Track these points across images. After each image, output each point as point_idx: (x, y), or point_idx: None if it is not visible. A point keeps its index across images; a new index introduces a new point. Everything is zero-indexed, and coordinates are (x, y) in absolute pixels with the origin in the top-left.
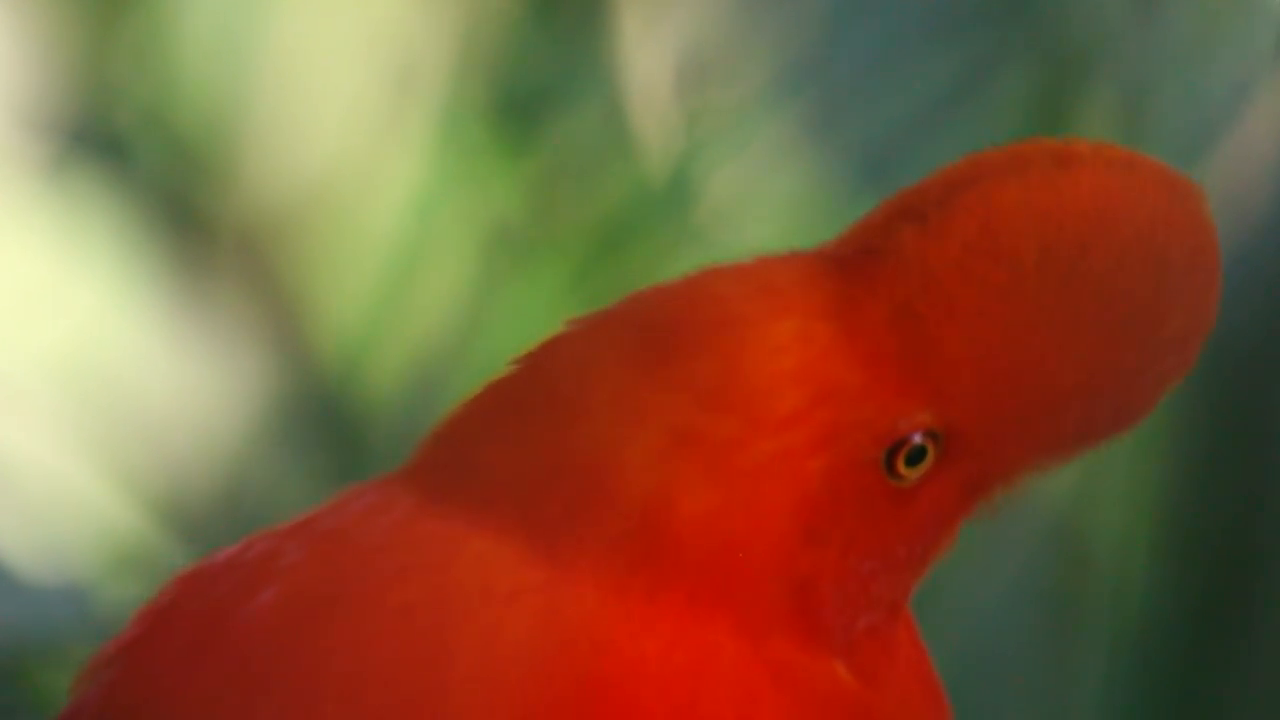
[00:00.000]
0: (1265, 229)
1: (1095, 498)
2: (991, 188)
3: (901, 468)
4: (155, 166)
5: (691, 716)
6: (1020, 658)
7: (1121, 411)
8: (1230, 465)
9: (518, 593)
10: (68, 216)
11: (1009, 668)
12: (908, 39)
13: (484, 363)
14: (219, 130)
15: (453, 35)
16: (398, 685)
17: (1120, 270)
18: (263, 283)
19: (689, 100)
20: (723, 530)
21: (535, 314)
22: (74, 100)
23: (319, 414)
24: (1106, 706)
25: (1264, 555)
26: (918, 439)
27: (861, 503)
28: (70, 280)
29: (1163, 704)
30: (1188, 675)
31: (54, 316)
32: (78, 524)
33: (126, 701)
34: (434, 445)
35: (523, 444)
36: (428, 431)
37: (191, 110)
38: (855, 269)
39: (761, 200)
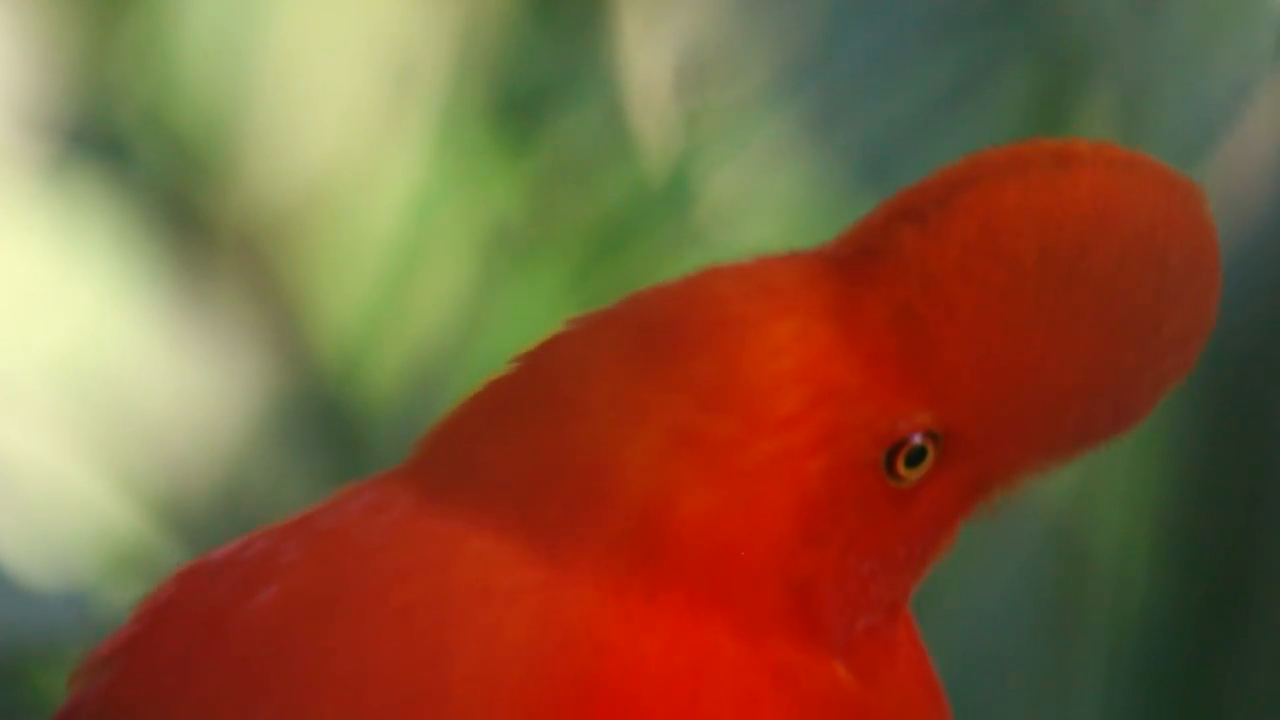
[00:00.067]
0: (1265, 229)
1: (1095, 498)
2: (991, 188)
3: (901, 468)
4: (155, 167)
5: (691, 717)
6: (1020, 658)
7: (1121, 412)
8: (1230, 466)
9: (517, 592)
10: (67, 217)
11: (1009, 668)
12: (908, 39)
13: (483, 362)
14: (219, 130)
15: (452, 35)
16: (397, 685)
17: (1120, 270)
18: (262, 283)
19: (689, 100)
20: (722, 530)
21: (535, 314)
22: (74, 100)
23: (319, 414)
24: (1106, 707)
25: (1264, 555)
26: (917, 440)
27: (861, 503)
28: (70, 280)
29: (1163, 704)
30: (1188, 675)
31: (53, 316)
32: (77, 525)
33: (125, 700)
34: (433, 444)
35: (522, 443)
36: (427, 430)
37: (191, 110)
38: (855, 269)
39: (761, 200)
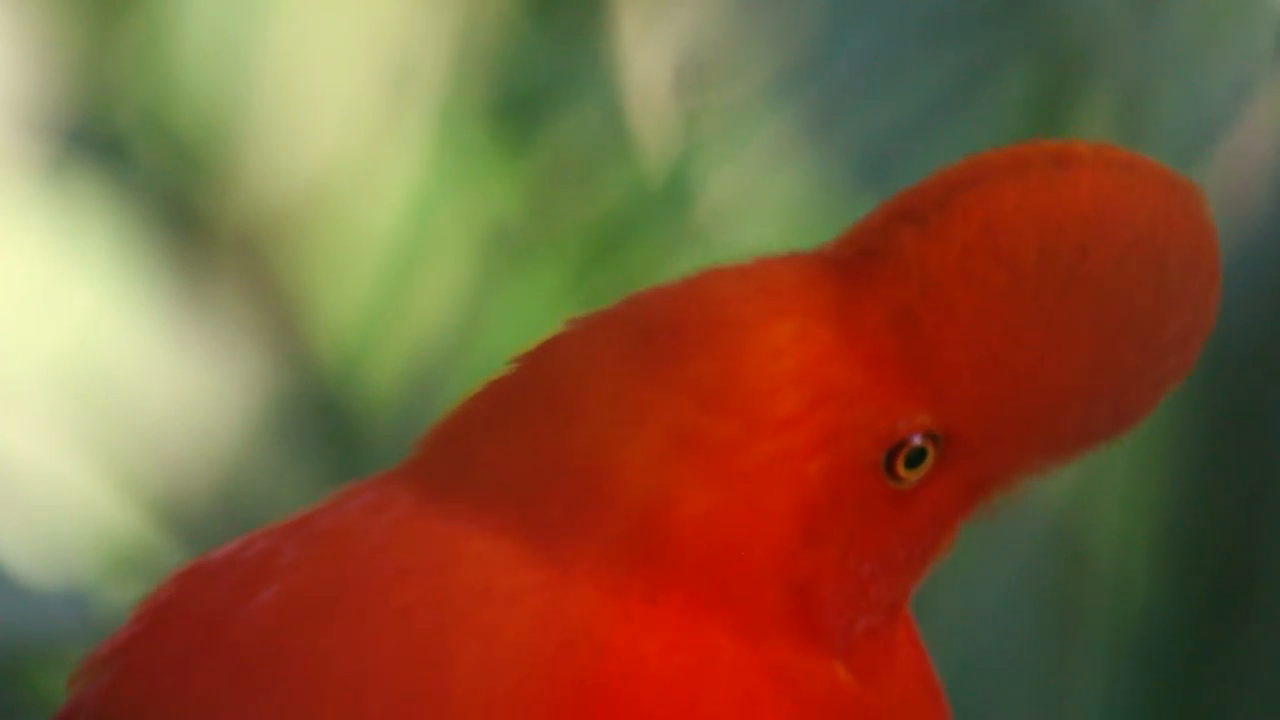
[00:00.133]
0: (1265, 229)
1: (1095, 498)
2: (991, 189)
3: (901, 470)
4: (154, 167)
5: (691, 717)
6: (1020, 658)
7: (1121, 413)
8: (1230, 466)
9: (517, 593)
10: (66, 217)
11: (1009, 668)
12: (908, 39)
13: (483, 362)
14: (218, 131)
15: (451, 35)
16: (397, 685)
17: (1120, 272)
18: (261, 283)
19: (688, 100)
20: (722, 531)
21: (534, 314)
22: (73, 101)
23: (318, 414)
24: (1106, 707)
25: (1264, 555)
26: (917, 441)
27: (861, 505)
28: (69, 281)
29: (1163, 704)
30: (1188, 675)
31: (52, 317)
32: (76, 525)
33: (125, 700)
34: (433, 444)
35: (522, 443)
36: (426, 430)
37: (190, 111)
38: (855, 270)
39: (760, 201)
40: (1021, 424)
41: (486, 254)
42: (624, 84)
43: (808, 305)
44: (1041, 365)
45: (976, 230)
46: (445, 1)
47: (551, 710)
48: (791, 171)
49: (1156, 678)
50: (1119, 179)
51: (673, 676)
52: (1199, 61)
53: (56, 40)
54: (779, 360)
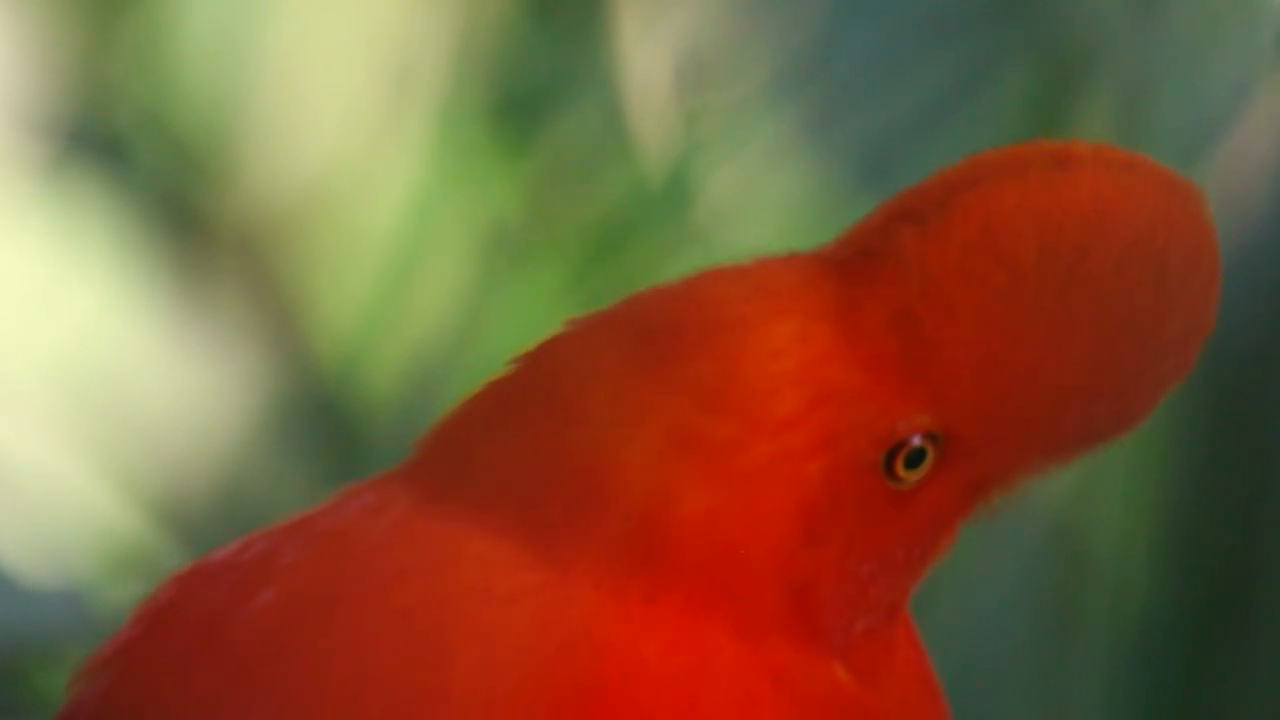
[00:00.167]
0: (1265, 229)
1: (1095, 498)
2: (991, 190)
3: (901, 470)
4: (153, 167)
5: (691, 718)
6: (1020, 659)
7: (1121, 413)
8: (1230, 466)
9: (517, 594)
10: (66, 217)
11: (1008, 669)
12: (907, 39)
13: (482, 363)
14: (217, 131)
15: (451, 35)
16: (397, 686)
17: (1120, 272)
18: (261, 283)
19: (688, 101)
20: (722, 532)
21: (534, 314)
22: (72, 101)
23: (317, 414)
24: (1106, 707)
25: (1264, 556)
26: (917, 441)
27: (860, 505)
28: (68, 281)
29: (1163, 704)
30: (1188, 676)
31: (52, 317)
32: (76, 525)
33: (124, 703)
34: (432, 445)
35: (521, 444)
36: (426, 431)
37: (190, 111)
38: (854, 271)
39: (760, 201)
40: (1021, 424)
41: (486, 254)
42: (624, 84)
43: (807, 305)
44: (1041, 365)
45: (976, 230)
46: (445, 1)
47: (551, 711)
48: (791, 172)
49: (1156, 678)
50: (1119, 179)
51: (672, 677)
52: (1199, 61)
53: (56, 40)
54: (779, 360)
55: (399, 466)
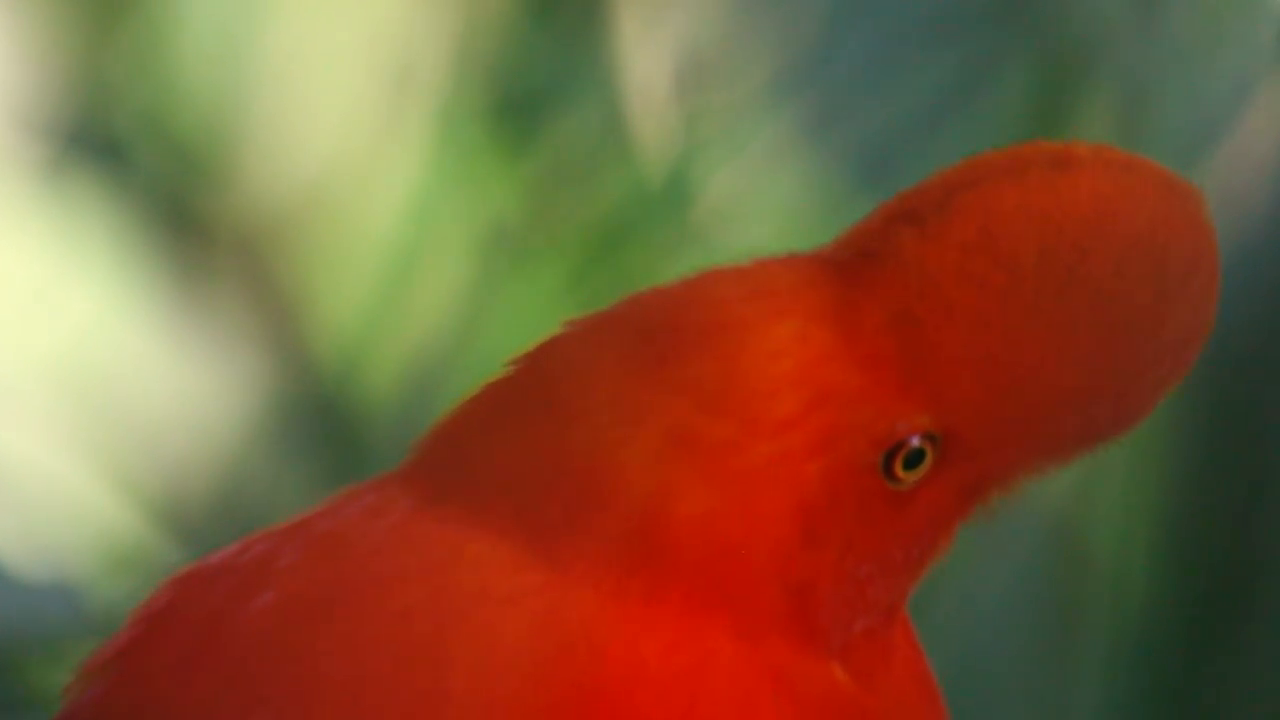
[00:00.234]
0: (1265, 229)
1: (1095, 498)
2: (990, 190)
3: (899, 471)
4: (153, 169)
5: (690, 719)
6: (1019, 659)
7: (1120, 414)
8: (1229, 466)
9: (516, 596)
10: (65, 219)
11: (1007, 669)
12: (907, 39)
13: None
14: (217, 132)
15: (450, 36)
16: (396, 689)
17: (1119, 273)
18: (260, 284)
19: (687, 101)
20: (720, 532)
21: (533, 315)
22: (72, 102)
23: (316, 415)
24: (1106, 708)
25: (1263, 555)
26: (916, 442)
27: (859, 506)
28: (67, 282)
29: (1162, 704)
30: (1187, 676)
31: (51, 318)
32: (75, 524)
33: (123, 705)
34: (432, 446)
35: (521, 445)
36: (425, 432)
37: (189, 112)
38: (853, 272)
39: (760, 201)
40: (1021, 425)
41: (486, 255)
42: (623, 85)
43: (807, 306)
44: (1041, 366)
45: (976, 231)
46: (445, 2)
47: (550, 712)
48: (791, 172)
49: (1156, 678)
50: (1118, 180)
51: (671, 678)
52: (1199, 61)
53: (56, 41)
54: (778, 361)
55: (398, 468)
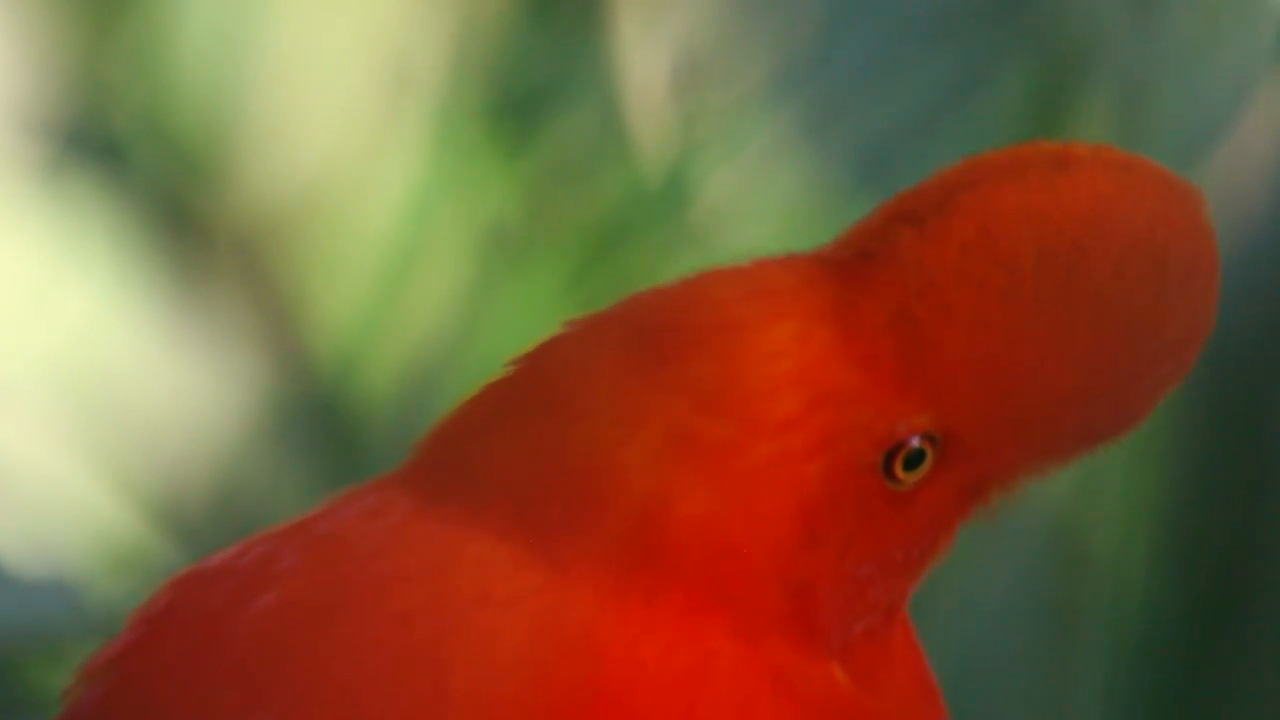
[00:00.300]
0: (1265, 229)
1: (1094, 499)
2: (989, 191)
3: (899, 471)
4: (151, 169)
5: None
6: (1018, 660)
7: (1120, 414)
8: (1229, 467)
9: (516, 597)
10: (64, 219)
11: (1007, 669)
12: (906, 39)
13: (480, 364)
14: (215, 132)
15: (449, 36)
16: (396, 691)
17: (1118, 273)
18: (259, 285)
19: (685, 101)
20: (720, 533)
21: (532, 315)
22: (70, 103)
23: (315, 416)
24: (1105, 708)
25: (1263, 556)
26: (916, 442)
27: (859, 506)
28: (66, 282)
29: (1162, 704)
30: (1187, 676)
31: (50, 318)
32: (73, 525)
33: (122, 708)
34: (431, 447)
35: (521, 446)
36: (424, 433)
37: (187, 113)
38: (853, 272)
39: (758, 202)
40: (1020, 425)
41: (484, 255)
42: (622, 84)
43: (806, 307)
44: (1040, 366)
45: (975, 231)
46: (443, 2)
47: (550, 714)
48: (789, 172)
49: (1155, 678)
50: (1118, 180)
51: (671, 679)
52: (1199, 61)
53: (54, 42)
54: (777, 362)
55: (398, 469)
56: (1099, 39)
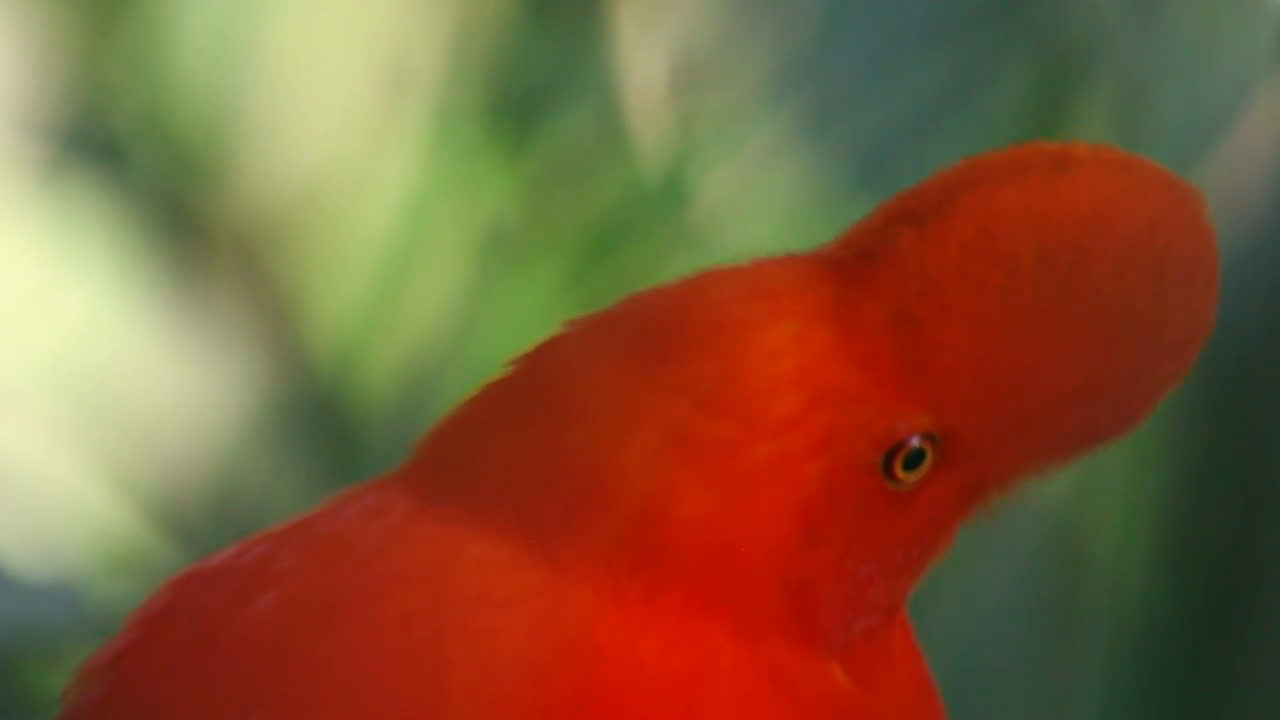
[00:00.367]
0: (1265, 229)
1: (1095, 498)
2: (989, 191)
3: (899, 471)
4: (151, 169)
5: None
6: (1018, 660)
7: (1120, 415)
8: (1229, 467)
9: (516, 597)
10: (63, 219)
11: (1007, 669)
12: (906, 39)
13: (479, 364)
14: (214, 132)
15: (448, 36)
16: (396, 691)
17: (1118, 274)
18: (258, 285)
19: (684, 101)
20: (720, 533)
21: (531, 315)
22: (70, 103)
23: (314, 415)
24: (1105, 708)
25: (1263, 557)
26: (915, 442)
27: (859, 506)
28: (66, 282)
29: (1161, 705)
30: (1187, 675)
31: (49, 318)
32: (72, 525)
33: (122, 709)
34: (431, 448)
35: (520, 446)
36: (424, 433)
37: (187, 113)
38: (853, 272)
39: (757, 202)
40: (1020, 425)
41: (483, 255)
42: (621, 84)
43: (806, 307)
44: (1040, 367)
45: (975, 232)
46: (442, 2)
47: (550, 714)
48: (789, 172)
49: (1155, 678)
50: (1118, 181)
51: (671, 679)
52: (1199, 61)
53: (54, 42)
54: (777, 361)
55: (397, 469)
56: (1099, 39)
